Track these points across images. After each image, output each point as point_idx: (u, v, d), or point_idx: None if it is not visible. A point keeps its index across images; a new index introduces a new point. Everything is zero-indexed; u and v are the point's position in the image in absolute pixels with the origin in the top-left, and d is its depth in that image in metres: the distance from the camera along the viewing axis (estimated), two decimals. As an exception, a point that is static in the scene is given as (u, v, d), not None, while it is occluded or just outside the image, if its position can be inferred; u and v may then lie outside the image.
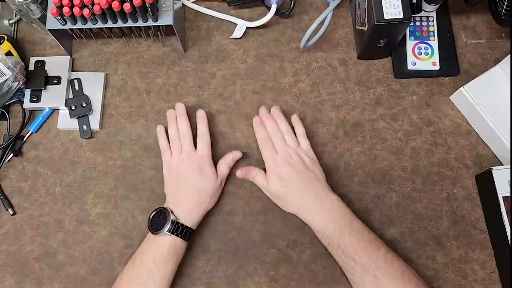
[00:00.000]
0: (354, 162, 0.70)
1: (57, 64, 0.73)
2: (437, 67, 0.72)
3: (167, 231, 0.60)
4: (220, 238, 0.67)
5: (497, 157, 0.69)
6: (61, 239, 0.68)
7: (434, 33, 0.73)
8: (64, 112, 0.72)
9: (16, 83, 0.68)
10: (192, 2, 0.78)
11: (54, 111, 0.73)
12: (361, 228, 0.60)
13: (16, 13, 0.76)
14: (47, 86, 0.72)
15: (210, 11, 0.77)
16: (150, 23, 0.67)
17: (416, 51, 0.73)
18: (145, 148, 0.71)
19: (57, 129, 0.73)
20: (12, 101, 0.71)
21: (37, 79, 0.71)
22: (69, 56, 0.74)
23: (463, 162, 0.70)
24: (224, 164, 0.67)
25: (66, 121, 0.72)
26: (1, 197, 0.69)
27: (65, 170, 0.71)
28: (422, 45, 0.73)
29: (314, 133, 0.71)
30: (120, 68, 0.75)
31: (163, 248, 0.60)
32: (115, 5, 0.63)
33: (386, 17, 0.62)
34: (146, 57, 0.76)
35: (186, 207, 0.63)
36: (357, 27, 0.73)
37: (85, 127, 0.72)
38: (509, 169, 0.63)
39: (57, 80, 0.72)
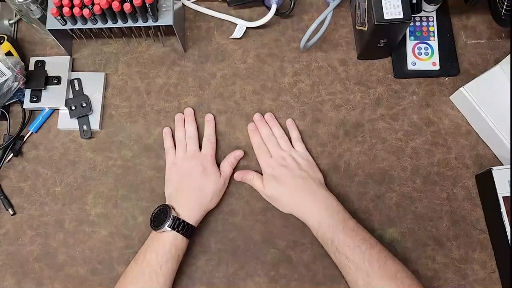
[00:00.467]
0: (354, 162, 0.70)
1: (57, 64, 0.73)
2: (437, 67, 0.72)
3: (168, 226, 0.60)
4: (220, 238, 0.67)
5: (497, 157, 0.69)
6: (61, 239, 0.68)
7: (434, 33, 0.73)
8: (64, 112, 0.72)
9: (16, 83, 0.68)
10: (192, 2, 0.78)
11: (54, 111, 0.73)
12: (355, 226, 0.60)
13: (16, 13, 0.76)
14: (47, 86, 0.72)
15: (210, 11, 0.77)
16: (150, 23, 0.67)
17: (416, 51, 0.73)
18: (145, 148, 0.71)
19: (57, 129, 0.73)
20: (12, 101, 0.71)
21: (37, 79, 0.71)
22: (69, 56, 0.74)
23: (463, 162, 0.70)
24: (228, 164, 0.68)
25: (66, 121, 0.72)
26: (1, 197, 0.69)
27: (65, 170, 0.71)
28: (422, 45, 0.73)
29: (314, 133, 0.71)
30: (120, 68, 0.75)
31: (164, 245, 0.60)
32: (115, 5, 0.63)
33: (386, 17, 0.62)
34: (146, 57, 0.76)
35: (188, 204, 0.64)
36: (357, 27, 0.73)
37: (85, 127, 0.72)
38: (509, 169, 0.63)
39: (57, 80, 0.72)
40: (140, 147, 0.72)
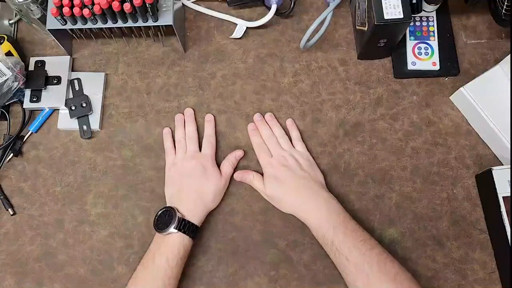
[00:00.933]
0: (354, 162, 0.70)
1: (57, 64, 0.73)
2: (437, 67, 0.72)
3: (174, 228, 0.60)
4: (220, 238, 0.67)
5: (497, 157, 0.69)
6: (61, 239, 0.68)
7: (434, 33, 0.73)
8: (64, 112, 0.72)
9: (16, 83, 0.68)
10: (192, 2, 0.78)
11: (54, 111, 0.73)
12: (356, 227, 0.60)
13: (16, 13, 0.76)
14: (47, 86, 0.72)
15: (210, 11, 0.77)
16: (150, 23, 0.67)
17: (416, 51, 0.73)
18: (145, 148, 0.71)
19: (57, 129, 0.73)
20: (12, 101, 0.71)
21: (37, 79, 0.71)
22: (69, 56, 0.74)
23: (463, 162, 0.70)
24: (228, 164, 0.68)
25: (66, 121, 0.72)
26: (1, 197, 0.69)
27: (65, 170, 0.71)
28: (422, 45, 0.73)
29: (314, 133, 0.71)
30: (120, 68, 0.75)
31: (173, 248, 0.60)
32: (115, 5, 0.63)
33: (386, 17, 0.62)
34: (146, 57, 0.76)
35: (190, 204, 0.64)
36: (357, 27, 0.73)
37: (85, 127, 0.72)
38: (509, 169, 0.63)
39: (57, 80, 0.72)
40: (140, 147, 0.72)
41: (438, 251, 0.66)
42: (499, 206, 0.62)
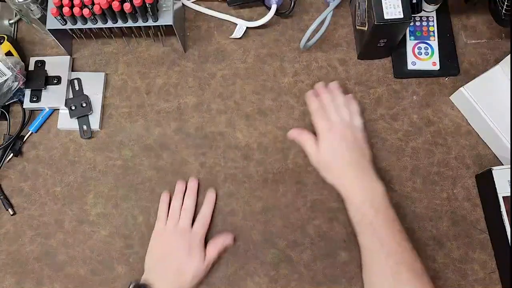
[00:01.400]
0: (354, 162, 0.70)
1: (57, 64, 0.73)
2: (437, 67, 0.72)
3: None
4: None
5: (497, 157, 0.69)
6: (61, 239, 0.68)
7: (434, 33, 0.73)
8: (64, 112, 0.72)
9: (16, 83, 0.68)
10: (192, 2, 0.78)
11: (54, 111, 0.73)
12: (395, 217, 0.59)
13: (16, 13, 0.76)
14: (47, 86, 0.72)
15: (210, 11, 0.77)
16: (150, 23, 0.67)
17: (416, 51, 0.73)
18: (145, 148, 0.71)
19: (57, 129, 0.73)
20: (12, 101, 0.71)
21: (37, 79, 0.71)
22: (69, 56, 0.74)
23: (463, 162, 0.70)
24: (214, 249, 0.64)
25: (66, 121, 0.72)
26: (1, 197, 0.69)
27: (65, 170, 0.71)
28: (422, 45, 0.73)
29: (314, 133, 0.71)
30: (120, 68, 0.75)
31: None
32: (115, 5, 0.63)
33: (386, 17, 0.62)
34: (146, 57, 0.76)
35: (166, 283, 0.61)
36: (357, 27, 0.73)
37: (85, 127, 0.72)
38: (509, 169, 0.63)
39: (57, 80, 0.72)
40: (140, 147, 0.72)
41: (438, 251, 0.66)
42: (499, 206, 0.62)
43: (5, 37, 0.72)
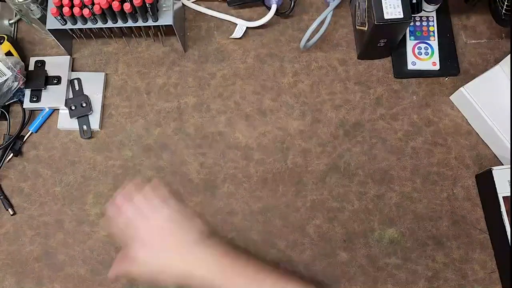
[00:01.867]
0: (354, 162, 0.70)
1: (57, 64, 0.73)
2: (437, 67, 0.72)
3: None
4: (220, 238, 0.67)
5: (497, 157, 0.69)
6: (61, 239, 0.68)
7: (434, 33, 0.73)
8: (64, 112, 0.72)
9: (16, 83, 0.68)
10: (192, 2, 0.78)
11: (54, 111, 0.73)
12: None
13: (16, 13, 0.76)
14: (47, 86, 0.72)
15: (210, 11, 0.77)
16: (150, 23, 0.67)
17: (416, 51, 0.73)
18: (145, 148, 0.71)
19: (57, 129, 0.73)
20: (12, 101, 0.71)
21: (37, 79, 0.71)
22: (69, 56, 0.74)
23: (463, 162, 0.70)
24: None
25: (66, 121, 0.72)
26: (1, 197, 0.69)
27: (65, 170, 0.71)
28: (422, 45, 0.73)
29: (314, 133, 0.71)
30: (120, 68, 0.75)
31: None
32: (115, 5, 0.63)
33: (386, 17, 0.62)
34: (146, 57, 0.76)
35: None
36: (357, 27, 0.73)
37: (85, 127, 0.72)
38: (509, 169, 0.63)
39: (57, 80, 0.72)
40: (140, 147, 0.72)
41: (438, 251, 0.66)
42: (499, 206, 0.62)
43: (5, 37, 0.72)
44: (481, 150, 0.70)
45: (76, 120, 0.72)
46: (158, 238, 0.52)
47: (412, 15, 0.67)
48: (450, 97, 0.72)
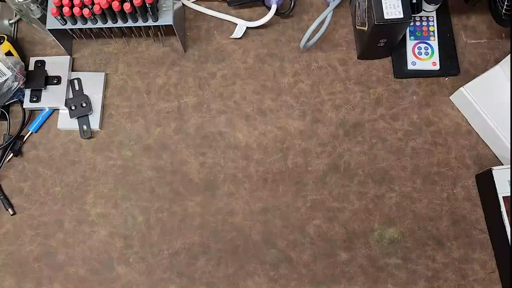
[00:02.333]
0: (354, 162, 0.70)
1: (57, 64, 0.73)
2: (437, 67, 0.72)
3: None
4: (220, 238, 0.67)
5: (497, 157, 0.69)
6: (61, 239, 0.68)
7: (434, 33, 0.73)
8: (64, 112, 0.72)
9: (16, 83, 0.68)
10: (192, 2, 0.78)
11: (54, 111, 0.73)
12: None
13: (16, 13, 0.76)
14: (47, 86, 0.72)
15: (210, 11, 0.77)
16: (150, 23, 0.67)
17: (416, 51, 0.73)
18: (145, 148, 0.71)
19: (57, 129, 0.73)
20: (12, 101, 0.71)
21: (37, 79, 0.71)
22: (69, 56, 0.74)
23: (463, 162, 0.70)
24: None
25: (66, 121, 0.72)
26: (1, 197, 0.69)
27: (65, 170, 0.71)
28: (422, 45, 0.73)
29: (314, 133, 0.71)
30: (120, 68, 0.75)
31: None
32: (115, 5, 0.63)
33: (386, 17, 0.62)
34: (146, 57, 0.76)
35: None
36: (357, 27, 0.73)
37: (85, 127, 0.72)
38: (509, 169, 0.63)
39: (57, 80, 0.72)
40: (140, 147, 0.72)
41: (438, 251, 0.66)
42: (499, 206, 0.62)
43: (5, 37, 0.72)
44: (481, 150, 0.70)
45: (76, 120, 0.72)
46: None
47: (412, 15, 0.67)
48: (450, 97, 0.72)
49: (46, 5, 0.68)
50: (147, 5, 0.64)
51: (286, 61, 0.75)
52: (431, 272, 0.65)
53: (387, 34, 0.67)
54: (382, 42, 0.68)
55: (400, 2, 0.63)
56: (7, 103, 0.70)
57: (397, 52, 0.73)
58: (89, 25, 0.68)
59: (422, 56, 0.72)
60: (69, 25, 0.68)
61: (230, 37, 0.76)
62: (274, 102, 0.73)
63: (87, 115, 0.72)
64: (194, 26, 0.77)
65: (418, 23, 0.74)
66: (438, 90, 0.73)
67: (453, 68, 0.73)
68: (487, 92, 0.68)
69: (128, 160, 0.71)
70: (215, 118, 0.73)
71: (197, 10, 0.78)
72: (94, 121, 0.72)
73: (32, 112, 0.73)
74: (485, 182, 0.66)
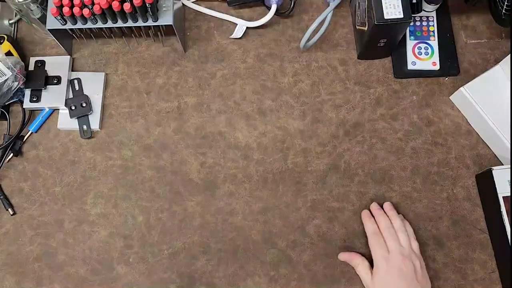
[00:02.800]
0: (354, 162, 0.70)
1: (57, 64, 0.73)
2: (437, 67, 0.72)
3: None
4: (220, 238, 0.67)
5: (497, 157, 0.69)
6: (61, 239, 0.68)
7: (434, 33, 0.73)
8: (64, 112, 0.72)
9: (16, 83, 0.68)
10: (192, 2, 0.78)
11: (54, 111, 0.73)
12: None
13: (16, 13, 0.76)
14: (47, 86, 0.72)
15: (210, 11, 0.77)
16: (150, 23, 0.67)
17: (416, 51, 0.73)
18: (145, 148, 0.71)
19: (57, 129, 0.73)
20: (12, 101, 0.71)
21: (37, 79, 0.71)
22: (69, 56, 0.74)
23: (463, 162, 0.70)
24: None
25: (66, 121, 0.72)
26: (1, 197, 0.69)
27: (65, 170, 0.71)
28: (422, 45, 0.73)
29: (314, 133, 0.71)
30: (120, 68, 0.75)
31: None
32: (115, 5, 0.63)
33: (386, 17, 0.62)
34: (146, 57, 0.76)
35: None
36: (357, 27, 0.73)
37: (85, 127, 0.72)
38: (509, 169, 0.63)
39: (57, 80, 0.72)
40: (140, 147, 0.72)
41: (438, 251, 0.66)
42: (499, 206, 0.62)
43: (5, 37, 0.72)
44: (481, 150, 0.70)
45: (76, 120, 0.72)
46: None
47: (412, 15, 0.67)
48: (450, 97, 0.72)
49: (46, 5, 0.68)
50: (147, 5, 0.64)
51: (286, 61, 0.75)
52: (431, 272, 0.65)
53: (387, 34, 0.67)
54: (382, 42, 0.68)
55: (400, 2, 0.63)
56: (7, 103, 0.70)
57: (397, 52, 0.73)
58: (89, 25, 0.68)
59: (422, 56, 0.72)
60: (69, 25, 0.68)
61: (230, 37, 0.76)
62: (274, 102, 0.73)
63: (87, 115, 0.72)
64: (194, 26, 0.77)
65: (418, 23, 0.74)
66: (438, 90, 0.73)
67: (453, 68, 0.73)
68: (487, 92, 0.68)
69: (128, 160, 0.71)
70: (215, 118, 0.73)
71: (197, 10, 0.78)
72: (94, 121, 0.72)
73: (32, 112, 0.73)
74: (485, 182, 0.66)
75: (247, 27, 0.75)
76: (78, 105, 0.72)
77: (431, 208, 0.68)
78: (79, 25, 0.68)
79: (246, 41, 0.76)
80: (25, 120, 0.73)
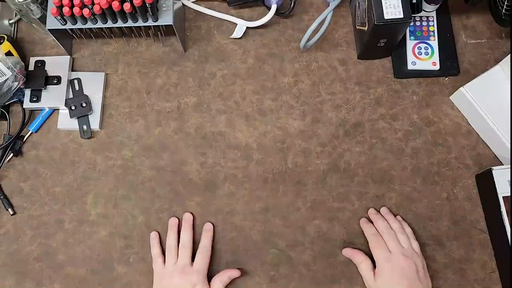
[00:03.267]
0: (354, 162, 0.70)
1: (57, 64, 0.73)
2: (437, 67, 0.72)
3: None
4: (220, 238, 0.67)
5: (497, 157, 0.69)
6: (61, 239, 0.68)
7: (434, 33, 0.73)
8: (64, 112, 0.72)
9: (16, 83, 0.68)
10: (192, 2, 0.78)
11: (54, 111, 0.73)
12: None
13: (16, 13, 0.76)
14: (47, 86, 0.72)
15: (210, 11, 0.77)
16: (150, 23, 0.67)
17: (416, 51, 0.73)
18: (145, 148, 0.71)
19: (57, 129, 0.73)
20: (12, 101, 0.71)
21: (37, 79, 0.71)
22: (69, 56, 0.74)
23: (463, 162, 0.70)
24: (220, 283, 0.62)
25: (66, 121, 0.72)
26: (1, 197, 0.69)
27: (65, 170, 0.71)
28: (422, 45, 0.73)
29: (314, 133, 0.71)
30: (120, 68, 0.75)
31: None
32: (115, 5, 0.63)
33: (386, 17, 0.62)
34: (146, 57, 0.76)
35: None
36: (357, 27, 0.73)
37: (85, 127, 0.72)
38: (509, 169, 0.63)
39: (57, 80, 0.72)
40: (140, 147, 0.72)
41: (438, 251, 0.66)
42: (499, 206, 0.62)
43: (5, 37, 0.72)
44: (481, 150, 0.70)
45: (76, 120, 0.72)
46: None
47: (412, 15, 0.67)
48: (450, 97, 0.72)
49: (46, 5, 0.68)
50: (147, 5, 0.64)
51: (286, 61, 0.75)
52: (431, 272, 0.65)
53: (387, 34, 0.67)
54: (382, 42, 0.68)
55: (400, 2, 0.63)
56: (7, 103, 0.70)
57: (397, 52, 0.73)
58: (89, 25, 0.68)
59: (422, 56, 0.72)
60: (69, 25, 0.68)
61: (230, 37, 0.76)
62: (274, 102, 0.73)
63: (87, 115, 0.72)
64: (194, 26, 0.77)
65: (418, 23, 0.74)
66: (438, 90, 0.73)
67: (453, 68, 0.73)
68: (487, 92, 0.68)
69: (128, 160, 0.71)
70: (215, 118, 0.73)
71: (197, 10, 0.78)
72: (94, 121, 0.72)
73: (32, 112, 0.73)
74: (485, 182, 0.66)
75: (247, 27, 0.75)
76: (78, 105, 0.72)
77: (431, 208, 0.68)
78: (79, 25, 0.68)
79: (246, 41, 0.76)
80: (25, 120, 0.73)
